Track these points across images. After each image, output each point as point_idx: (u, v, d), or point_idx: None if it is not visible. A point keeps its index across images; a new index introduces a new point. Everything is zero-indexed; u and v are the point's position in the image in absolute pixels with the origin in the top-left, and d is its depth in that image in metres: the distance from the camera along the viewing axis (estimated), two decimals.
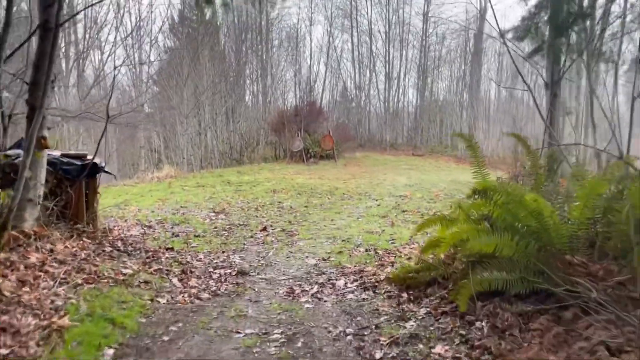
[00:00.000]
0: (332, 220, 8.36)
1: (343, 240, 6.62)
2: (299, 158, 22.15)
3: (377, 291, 4.53)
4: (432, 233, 5.18)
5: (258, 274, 5.24)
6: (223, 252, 6.03)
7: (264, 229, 7.50)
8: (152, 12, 28.68)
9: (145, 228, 7.00)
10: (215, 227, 7.45)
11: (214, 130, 24.71)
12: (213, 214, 8.81)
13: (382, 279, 4.84)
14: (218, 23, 28.74)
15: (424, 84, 32.09)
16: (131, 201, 10.63)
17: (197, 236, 6.74)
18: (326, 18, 32.56)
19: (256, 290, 4.68)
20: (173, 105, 22.80)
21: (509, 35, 11.05)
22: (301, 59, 32.91)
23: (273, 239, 6.81)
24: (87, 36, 20.48)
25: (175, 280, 4.82)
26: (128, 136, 23.94)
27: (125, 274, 4.66)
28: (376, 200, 10.76)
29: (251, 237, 6.98)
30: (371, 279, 4.90)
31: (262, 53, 29.94)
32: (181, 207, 9.72)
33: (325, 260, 5.71)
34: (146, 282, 4.60)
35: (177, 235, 6.68)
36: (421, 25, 31.59)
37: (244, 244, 6.49)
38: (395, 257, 5.70)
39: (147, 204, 10.12)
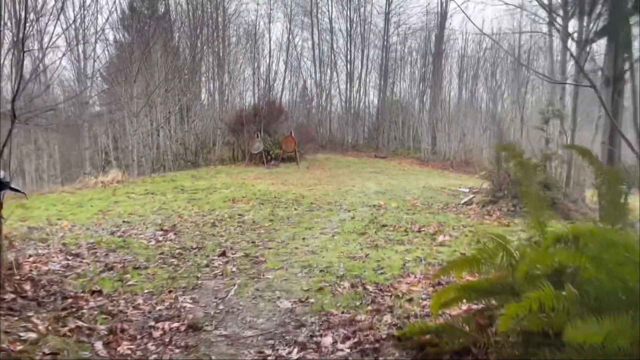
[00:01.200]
0: (303, 239, 7.04)
1: (321, 271, 5.31)
2: (258, 160, 20.70)
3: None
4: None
5: (216, 327, 3.87)
6: (170, 291, 4.61)
7: (223, 253, 6.10)
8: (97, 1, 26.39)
9: (70, 258, 5.46)
10: (162, 253, 5.99)
11: (167, 130, 22.92)
12: (161, 232, 7.32)
13: (383, 336, 3.57)
14: (171, 18, 27.00)
15: (385, 84, 31.20)
16: (65, 214, 8.99)
17: (137, 268, 5.27)
18: (285, 15, 31.18)
19: (214, 358, 3.33)
20: (122, 103, 20.89)
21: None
22: (260, 57, 31.41)
23: (234, 269, 5.43)
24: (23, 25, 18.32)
25: (99, 346, 3.40)
26: (72, 137, 21.87)
27: (25, 341, 3.22)
28: (349, 212, 9.51)
29: (207, 265, 5.57)
30: (368, 335, 3.62)
31: (218, 50, 28.28)
32: (123, 221, 8.18)
33: (302, 302, 4.39)
34: (54, 354, 3.17)
35: (111, 269, 5.18)
36: (382, 24, 30.70)
37: (198, 278, 5.08)
38: (391, 296, 4.45)
39: (84, 218, 8.51)
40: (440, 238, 6.84)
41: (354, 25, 30.32)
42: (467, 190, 12.93)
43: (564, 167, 9.08)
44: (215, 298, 4.52)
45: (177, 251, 6.14)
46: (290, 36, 31.12)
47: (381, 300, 4.39)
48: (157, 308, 4.19)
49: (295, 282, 4.96)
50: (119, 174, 16.70)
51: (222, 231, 7.58)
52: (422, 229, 7.53)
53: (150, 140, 22.54)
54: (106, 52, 24.09)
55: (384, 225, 7.94)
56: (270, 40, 31.57)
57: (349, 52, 30.48)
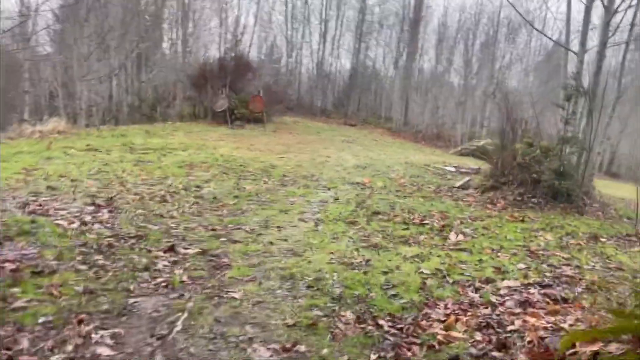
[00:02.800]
0: (279, 228, 5.38)
1: (309, 287, 3.68)
2: (222, 119, 18.68)
3: None
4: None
5: None
6: (80, 321, 2.89)
7: (172, 248, 4.37)
8: None
9: None
10: (85, 245, 4.19)
11: (122, 79, 20.43)
12: (92, 207, 5.48)
13: None
14: None
15: (359, 48, 29.27)
16: None
17: (37, 273, 3.49)
18: None
19: None
20: (69, 44, 18.26)
21: None
22: (228, 7, 28.79)
23: (185, 277, 3.73)
24: None
25: None
26: (12, 78, 19.10)
27: None
28: (329, 190, 7.90)
29: (146, 269, 3.84)
30: None
31: None
32: (47, 187, 6.28)
33: (287, 350, 2.78)
34: None
35: None
36: None
37: (129, 293, 3.36)
38: (422, 347, 2.89)
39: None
40: (452, 237, 5.33)
41: None
42: (454, 169, 11.53)
43: (582, 153, 7.69)
44: (152, 337, 2.84)
45: (108, 241, 4.36)
46: None
47: (407, 352, 2.83)
48: None
49: (273, 307, 3.32)
50: (60, 123, 14.44)
51: (174, 210, 5.81)
52: (425, 221, 6.00)
53: (102, 88, 20.02)
54: None
55: (376, 213, 6.36)
56: None
57: (324, 9, 28.28)
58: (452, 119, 26.14)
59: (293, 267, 4.06)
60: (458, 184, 8.77)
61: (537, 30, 9.95)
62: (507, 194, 7.77)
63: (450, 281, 3.91)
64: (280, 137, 16.11)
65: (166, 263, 4.04)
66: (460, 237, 5.34)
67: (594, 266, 4.64)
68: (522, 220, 6.45)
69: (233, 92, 19.54)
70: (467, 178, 8.98)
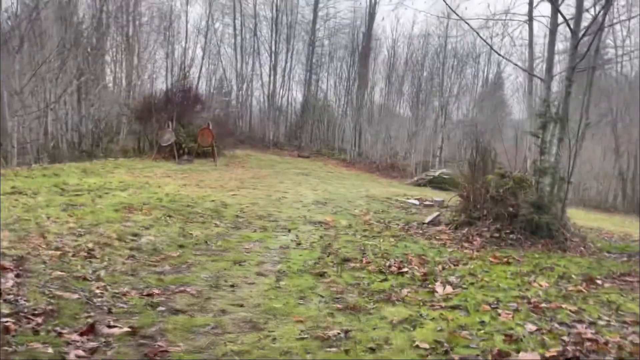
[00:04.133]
0: (232, 287, 4.36)
1: None
2: (168, 154, 17.44)
3: None
4: None
5: None
6: None
7: (91, 327, 3.27)
8: None
9: None
10: None
11: (60, 114, 18.84)
12: None
13: None
14: None
15: (310, 79, 28.83)
16: None
17: None
18: None
19: None
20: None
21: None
22: (175, 40, 27.82)
23: None
24: None
25: None
26: None
27: None
28: (290, 232, 6.94)
29: None
30: None
31: (127, 28, 24.44)
32: None
33: None
34: None
35: None
36: (310, 16, 28.30)
37: None
38: None
39: None
40: (439, 289, 4.48)
41: (280, 14, 27.62)
42: (417, 202, 10.85)
43: (558, 184, 7.12)
44: None
45: (3, 323, 3.22)
46: (210, 20, 27.81)
47: None
48: None
49: None
50: None
51: (102, 268, 4.68)
52: (403, 269, 5.14)
53: (38, 123, 18.36)
54: None
55: (346, 260, 5.45)
56: (187, 23, 28.07)
57: (273, 42, 27.76)
58: (404, 149, 25.91)
59: (253, 348, 3.06)
60: (428, 219, 8.04)
61: (500, 55, 9.59)
62: (482, 230, 7.06)
63: (456, 358, 3.02)
64: (232, 172, 15.06)
65: (81, 352, 2.95)
66: (448, 288, 4.50)
67: (608, 321, 3.89)
68: (508, 262, 5.71)
69: (180, 126, 18.39)
70: (436, 213, 8.27)
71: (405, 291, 4.40)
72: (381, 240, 6.66)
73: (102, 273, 4.54)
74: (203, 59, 28.08)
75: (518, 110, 28.06)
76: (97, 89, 21.02)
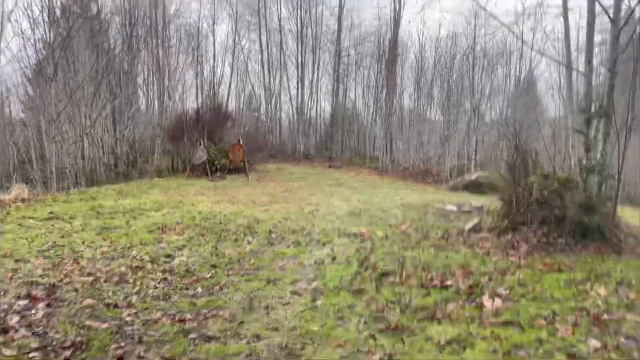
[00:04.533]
0: (267, 309, 4.14)
1: None
2: (201, 172, 17.51)
3: None
4: None
5: None
6: None
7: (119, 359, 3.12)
8: None
9: None
10: None
11: (93, 137, 19.22)
12: (26, 302, 4.20)
13: None
14: (105, 16, 23.28)
15: (338, 89, 28.65)
16: None
17: None
18: (231, 16, 28.08)
19: None
20: (37, 106, 17.17)
21: None
22: (203, 60, 28.17)
23: None
24: None
25: None
26: None
27: None
28: (324, 245, 6.69)
29: None
30: None
31: (157, 51, 24.89)
32: None
33: None
34: None
35: None
36: (335, 26, 28.19)
37: None
38: None
39: None
40: (487, 303, 4.14)
41: (305, 27, 27.65)
42: (455, 208, 10.44)
43: (606, 182, 6.65)
44: None
45: (30, 358, 3.09)
46: (237, 38, 28.09)
47: None
48: None
49: None
50: (24, 190, 13.12)
51: (134, 293, 4.55)
52: (446, 282, 4.81)
53: (75, 148, 18.78)
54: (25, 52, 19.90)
55: (385, 274, 5.15)
56: (214, 42, 28.41)
57: (299, 55, 27.76)
58: (437, 154, 25.35)
59: None
60: (468, 226, 7.65)
61: (534, 50, 9.08)
62: (528, 235, 6.64)
63: None
64: (264, 187, 14.96)
65: None
66: (497, 302, 4.15)
67: None
68: (559, 269, 5.29)
69: (212, 143, 18.49)
70: (476, 219, 7.87)
71: (451, 307, 4.08)
72: (420, 250, 6.33)
73: (134, 299, 4.41)
74: (231, 76, 28.35)
75: (553, 108, 27.12)
76: (130, 111, 21.42)
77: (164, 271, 5.34)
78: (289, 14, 28.00)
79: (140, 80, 24.74)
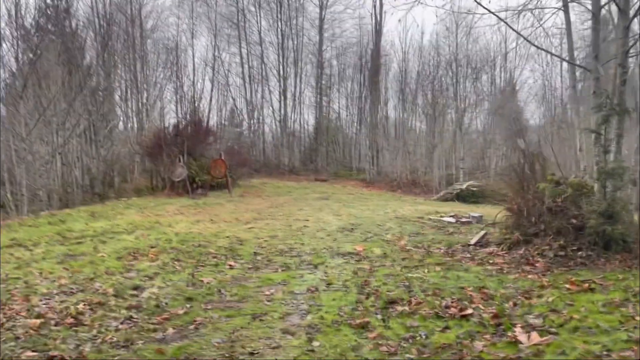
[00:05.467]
0: (251, 354, 3.33)
1: None
2: (182, 189, 16.59)
3: None
4: None
5: None
6: None
7: None
8: None
9: None
10: None
11: (68, 157, 18.17)
12: None
13: None
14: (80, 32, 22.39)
15: (321, 101, 28.03)
16: None
17: None
18: (210, 29, 27.36)
19: None
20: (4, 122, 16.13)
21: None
22: (183, 75, 27.34)
23: None
24: None
25: None
26: None
27: None
28: (316, 268, 5.89)
29: None
30: None
31: (134, 67, 24.02)
32: None
33: None
34: None
35: None
36: (317, 37, 27.66)
37: None
38: None
39: None
40: (523, 337, 3.38)
41: (286, 38, 27.05)
42: (453, 219, 9.73)
43: (624, 187, 5.98)
44: None
45: None
46: (216, 51, 27.34)
47: None
48: None
49: None
50: None
51: (88, 339, 3.69)
52: (465, 310, 4.04)
53: (47, 169, 17.70)
54: None
55: (391, 302, 4.36)
56: (193, 56, 27.64)
57: (281, 67, 27.13)
58: (423, 164, 24.78)
59: None
60: (473, 240, 6.92)
61: (536, 47, 8.51)
62: (543, 248, 5.92)
63: None
64: (248, 203, 14.11)
65: None
66: (534, 336, 3.39)
67: None
68: (590, 289, 4.56)
69: (192, 159, 17.60)
70: (482, 232, 7.14)
71: (479, 345, 3.30)
72: (426, 270, 5.56)
73: (88, 347, 3.55)
74: (212, 90, 27.57)
75: (538, 115, 26.84)
76: (106, 129, 20.43)
77: (129, 307, 4.47)
78: (269, 26, 27.44)
79: (117, 96, 23.81)
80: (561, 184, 6.41)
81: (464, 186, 17.40)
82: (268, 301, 4.62)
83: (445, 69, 25.26)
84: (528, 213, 6.38)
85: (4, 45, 17.26)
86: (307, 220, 9.82)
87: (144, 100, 24.46)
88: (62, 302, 4.70)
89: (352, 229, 8.70)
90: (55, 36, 19.47)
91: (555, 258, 5.74)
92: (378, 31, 27.46)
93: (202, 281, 5.36)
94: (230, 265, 6.15)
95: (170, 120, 25.46)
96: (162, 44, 26.56)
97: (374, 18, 27.00)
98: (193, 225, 9.42)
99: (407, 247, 6.90)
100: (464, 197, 16.83)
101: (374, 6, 26.55)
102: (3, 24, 17.24)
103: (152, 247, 7.32)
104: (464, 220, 9.54)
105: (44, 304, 4.64)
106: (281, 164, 26.43)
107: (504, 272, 5.45)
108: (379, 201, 15.18)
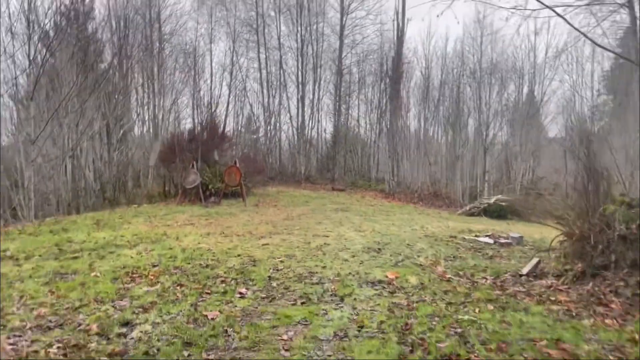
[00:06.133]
0: None
1: None
2: (195, 196, 15.74)
3: None
4: None
5: None
6: None
7: None
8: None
9: None
10: None
11: (79, 160, 17.48)
12: None
13: None
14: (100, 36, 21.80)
15: (340, 109, 27.10)
16: None
17: None
18: (228, 35, 26.66)
19: None
20: (13, 127, 15.51)
21: None
22: (200, 80, 26.67)
23: None
24: None
25: None
26: None
27: None
28: (343, 301, 4.89)
29: None
30: None
31: (152, 71, 23.41)
32: None
33: None
34: None
35: None
36: (337, 44, 26.77)
37: None
38: None
39: None
40: None
41: (306, 44, 26.21)
42: (490, 240, 8.67)
43: None
44: None
45: None
46: (235, 56, 26.62)
47: None
48: None
49: None
50: None
51: None
52: None
53: (58, 172, 17.01)
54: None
55: (444, 357, 3.36)
56: (211, 61, 26.96)
57: (300, 73, 26.27)
58: (445, 176, 23.65)
59: None
60: (525, 269, 5.88)
61: (598, 45, 7.50)
62: (617, 284, 4.87)
63: None
64: (263, 213, 13.18)
65: None
66: None
67: None
68: None
69: (206, 165, 16.77)
70: (535, 260, 6.10)
71: None
72: (477, 309, 4.54)
73: None
74: (229, 96, 26.83)
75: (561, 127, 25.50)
76: (120, 132, 19.75)
77: (112, 355, 3.54)
78: (289, 32, 26.64)
79: (133, 100, 23.19)
80: (634, 206, 5.35)
81: (492, 200, 16.26)
82: (285, 350, 3.65)
83: (469, 77, 24.16)
84: (595, 240, 5.32)
85: (16, 44, 16.61)
86: (327, 237, 8.84)
87: (161, 104, 23.83)
88: (32, 342, 3.79)
89: (379, 249, 7.69)
90: (73, 38, 18.87)
91: (633, 297, 4.68)
92: (400, 38, 26.48)
93: (206, 316, 4.40)
94: (240, 293, 5.19)
95: (187, 125, 24.82)
96: (180, 48, 25.96)
97: (396, 24, 26.06)
98: (202, 239, 8.50)
99: (447, 276, 5.88)
100: (491, 212, 15.71)
101: (397, 12, 25.63)
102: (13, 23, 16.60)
103: (153, 266, 6.42)
104: (502, 241, 8.48)
105: (10, 345, 3.74)
106: (297, 172, 25.50)
107: (574, 315, 4.41)
108: (402, 214, 14.13)
